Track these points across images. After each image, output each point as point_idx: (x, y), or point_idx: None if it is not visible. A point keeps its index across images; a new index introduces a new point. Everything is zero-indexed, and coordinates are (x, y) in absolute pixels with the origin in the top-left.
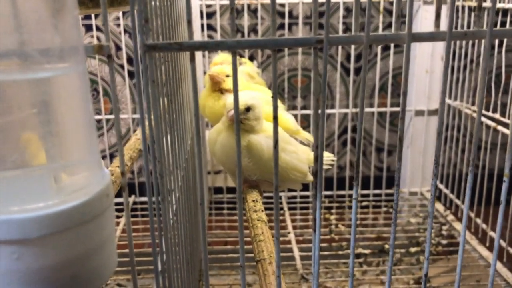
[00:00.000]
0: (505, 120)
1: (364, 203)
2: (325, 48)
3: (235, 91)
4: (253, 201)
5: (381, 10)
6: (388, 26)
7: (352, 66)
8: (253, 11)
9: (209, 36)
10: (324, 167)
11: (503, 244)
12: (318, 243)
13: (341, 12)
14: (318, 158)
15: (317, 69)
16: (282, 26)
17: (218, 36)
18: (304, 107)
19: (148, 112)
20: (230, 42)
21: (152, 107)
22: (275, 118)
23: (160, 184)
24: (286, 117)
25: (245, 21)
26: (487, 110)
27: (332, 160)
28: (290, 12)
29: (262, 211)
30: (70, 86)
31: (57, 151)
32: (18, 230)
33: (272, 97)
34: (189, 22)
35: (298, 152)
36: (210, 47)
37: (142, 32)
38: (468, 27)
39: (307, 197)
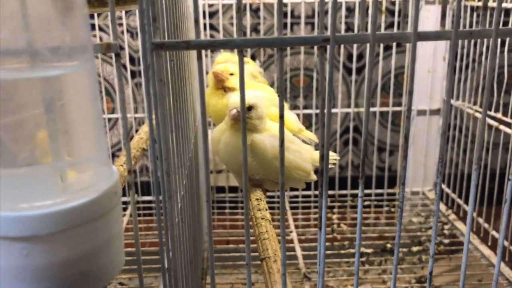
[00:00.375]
0: (507, 119)
1: (366, 203)
2: (331, 47)
3: (242, 90)
4: (257, 199)
5: (383, 10)
6: (390, 25)
7: (354, 65)
8: (254, 11)
9: (211, 36)
10: (329, 166)
11: (506, 243)
12: (324, 241)
13: (343, 11)
14: (324, 157)
15: (323, 67)
16: (284, 26)
17: (220, 36)
18: (305, 107)
19: (155, 111)
20: (238, 41)
21: (159, 106)
22: (281, 117)
23: (167, 182)
24: (289, 116)
25: (248, 20)
26: (489, 109)
27: (336, 159)
28: (292, 12)
29: (266, 209)
30: (79, 84)
31: (66, 148)
32: (28, 227)
33: (279, 96)
34: (197, 21)
35: (301, 151)
36: (218, 45)
37: (150, 31)
38: (470, 26)
39: (309, 196)
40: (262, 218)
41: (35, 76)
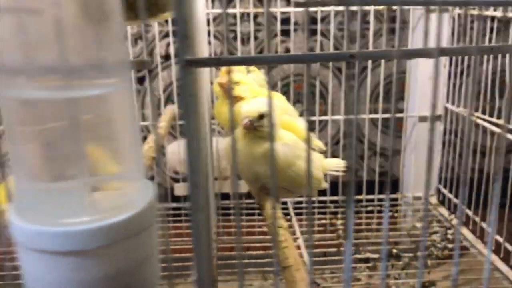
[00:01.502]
0: (499, 121)
1: (369, 208)
2: (358, 63)
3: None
4: (272, 208)
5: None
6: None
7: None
8: (254, 18)
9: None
10: (338, 173)
11: (510, 248)
12: (350, 251)
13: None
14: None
15: (348, 81)
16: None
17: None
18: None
19: (187, 125)
20: (269, 57)
21: (191, 120)
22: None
23: (196, 195)
24: (300, 124)
25: (251, 28)
26: (491, 116)
27: (344, 167)
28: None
29: (282, 218)
30: (119, 101)
31: (108, 164)
32: (75, 242)
33: (302, 112)
34: (227, 38)
35: (313, 159)
36: (247, 62)
37: (182, 48)
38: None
39: (313, 202)
40: (279, 227)
41: (74, 96)
